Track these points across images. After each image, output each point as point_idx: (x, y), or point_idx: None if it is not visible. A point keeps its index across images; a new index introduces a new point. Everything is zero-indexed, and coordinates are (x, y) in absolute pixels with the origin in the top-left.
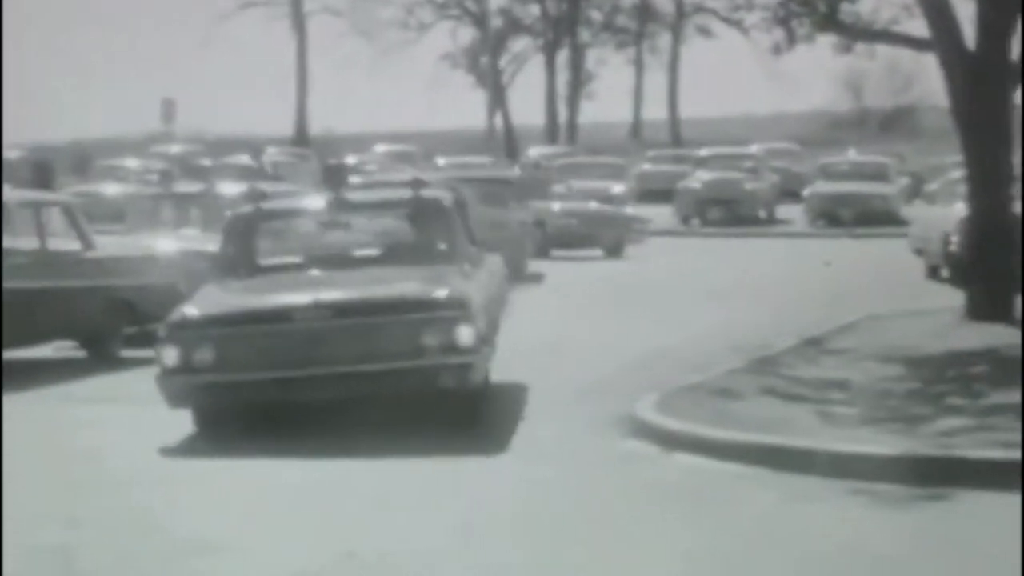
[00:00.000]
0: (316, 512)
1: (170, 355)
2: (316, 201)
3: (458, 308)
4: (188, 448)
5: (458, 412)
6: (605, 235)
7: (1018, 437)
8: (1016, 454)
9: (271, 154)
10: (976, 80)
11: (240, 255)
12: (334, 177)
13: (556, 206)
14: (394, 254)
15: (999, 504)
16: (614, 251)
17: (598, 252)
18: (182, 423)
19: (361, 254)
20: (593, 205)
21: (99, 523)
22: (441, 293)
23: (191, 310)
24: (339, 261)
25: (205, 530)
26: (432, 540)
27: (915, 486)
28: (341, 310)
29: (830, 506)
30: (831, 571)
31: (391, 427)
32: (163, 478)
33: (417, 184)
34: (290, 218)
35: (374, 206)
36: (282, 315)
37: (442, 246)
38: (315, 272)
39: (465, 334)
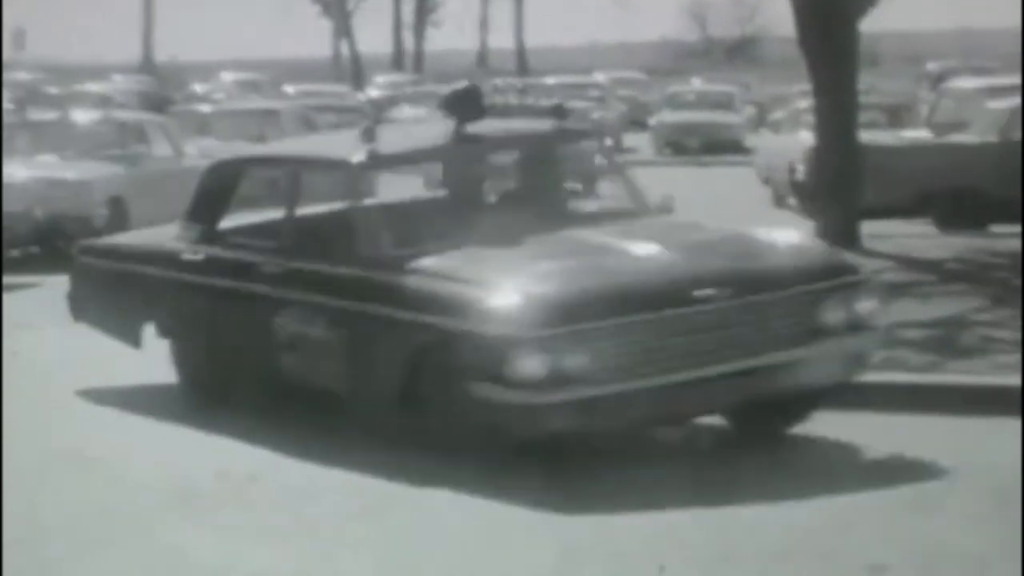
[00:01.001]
0: None
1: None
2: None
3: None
4: None
5: None
6: None
7: None
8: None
9: (117, 82)
10: (823, 10)
11: None
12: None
13: None
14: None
15: (848, 422)
16: None
17: None
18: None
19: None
20: None
21: None
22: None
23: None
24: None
25: None
26: None
27: None
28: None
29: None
30: (682, 485)
31: None
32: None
33: (561, 112)
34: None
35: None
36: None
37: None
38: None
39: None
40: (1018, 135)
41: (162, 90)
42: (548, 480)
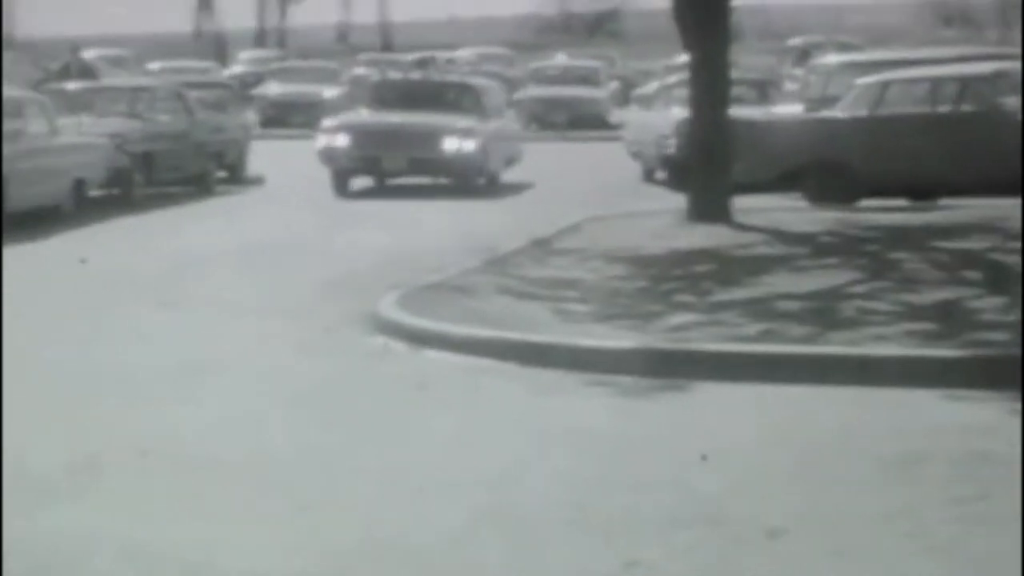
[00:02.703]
0: None
1: None
2: None
3: None
4: None
5: None
6: None
7: (744, 331)
8: (742, 347)
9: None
10: None
11: None
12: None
13: None
14: None
15: (729, 393)
16: None
17: None
18: None
19: None
20: None
21: None
22: None
23: None
24: None
25: None
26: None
27: (650, 377)
28: None
29: (573, 396)
30: (577, 456)
31: None
32: None
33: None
34: None
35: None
36: None
37: None
38: None
39: None
40: (886, 111)
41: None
42: None
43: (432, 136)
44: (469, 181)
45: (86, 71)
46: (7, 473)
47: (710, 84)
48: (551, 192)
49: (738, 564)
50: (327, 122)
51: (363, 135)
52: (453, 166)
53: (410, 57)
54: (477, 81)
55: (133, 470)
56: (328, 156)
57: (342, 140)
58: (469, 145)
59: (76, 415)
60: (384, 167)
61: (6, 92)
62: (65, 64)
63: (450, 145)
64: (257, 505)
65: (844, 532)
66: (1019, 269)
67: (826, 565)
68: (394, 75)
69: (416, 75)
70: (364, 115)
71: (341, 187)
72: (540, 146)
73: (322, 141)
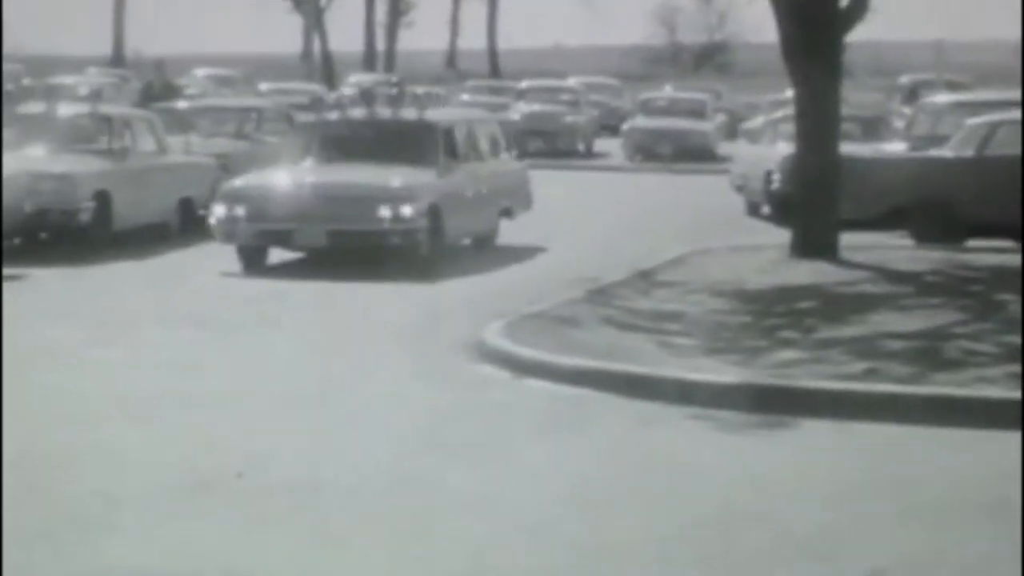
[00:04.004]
0: None
1: None
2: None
3: None
4: None
5: None
6: None
7: (848, 369)
8: (846, 385)
9: (91, 74)
10: (808, 21)
11: None
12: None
13: None
14: None
15: (833, 431)
16: None
17: None
18: None
19: None
20: None
21: None
22: None
23: None
24: None
25: None
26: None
27: (754, 412)
28: None
29: (675, 430)
30: (679, 489)
31: None
32: None
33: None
34: None
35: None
36: None
37: None
38: None
39: None
40: (995, 151)
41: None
42: None
43: (358, 201)
44: (415, 255)
45: (170, 90)
46: (128, 490)
47: (818, 120)
48: (653, 224)
49: None
50: (225, 186)
51: (267, 202)
52: (388, 240)
53: (394, 80)
54: (443, 118)
55: (232, 492)
56: (224, 232)
57: (240, 210)
58: (407, 211)
59: (180, 436)
60: (297, 243)
61: (116, 109)
62: (148, 83)
63: (384, 212)
64: (358, 531)
65: (943, 574)
66: None
67: None
68: (329, 115)
69: (358, 113)
70: (271, 175)
71: (252, 260)
72: (643, 177)
73: (217, 211)
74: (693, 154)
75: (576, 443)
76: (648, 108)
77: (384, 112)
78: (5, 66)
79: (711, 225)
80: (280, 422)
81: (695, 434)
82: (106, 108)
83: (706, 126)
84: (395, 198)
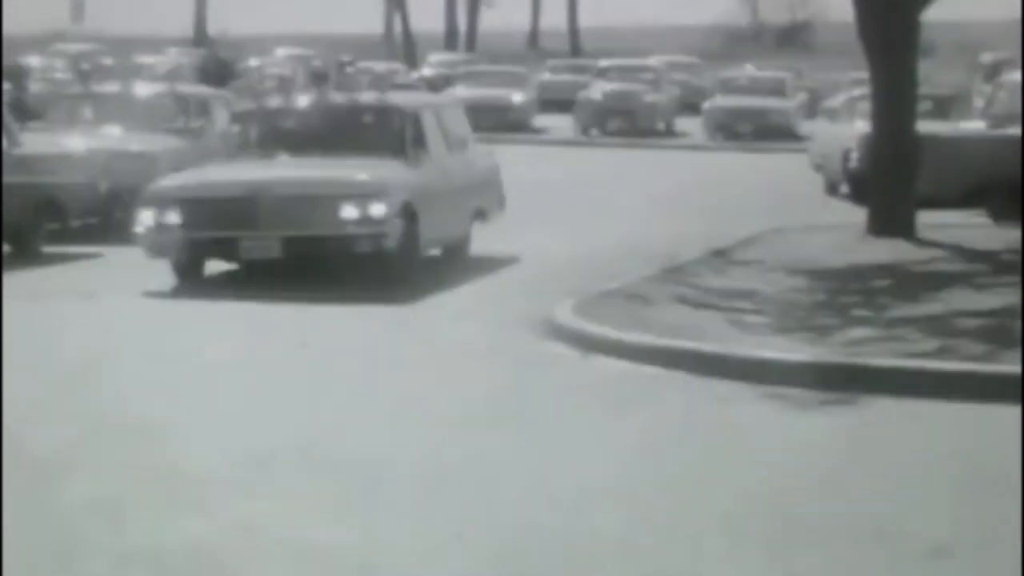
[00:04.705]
0: None
1: None
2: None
3: None
4: None
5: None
6: None
7: (920, 347)
8: (918, 363)
9: (171, 54)
10: (884, 2)
11: None
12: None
13: None
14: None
15: (904, 409)
16: None
17: None
18: None
19: None
20: None
21: None
22: None
23: None
24: None
25: None
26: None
27: (824, 391)
28: None
29: (744, 408)
30: (743, 466)
31: None
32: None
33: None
34: None
35: None
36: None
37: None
38: None
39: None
40: None
41: (224, 63)
42: None
43: (317, 200)
44: (388, 265)
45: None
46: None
47: (895, 99)
48: (731, 202)
49: None
50: (153, 186)
51: (205, 207)
52: (354, 246)
53: (416, 73)
54: (409, 101)
55: (297, 468)
56: (153, 243)
57: (173, 217)
58: (377, 210)
59: (244, 413)
60: (244, 253)
61: (193, 89)
62: (206, 62)
63: (349, 212)
64: (421, 507)
65: (1007, 554)
66: None
67: None
68: (273, 102)
69: (307, 99)
70: (209, 173)
71: (188, 271)
72: (724, 156)
73: (144, 218)
74: (773, 133)
75: (644, 420)
76: (729, 87)
77: (339, 96)
78: (82, 46)
79: (789, 204)
80: None
81: (763, 412)
82: (183, 88)
83: (786, 105)
84: (362, 194)
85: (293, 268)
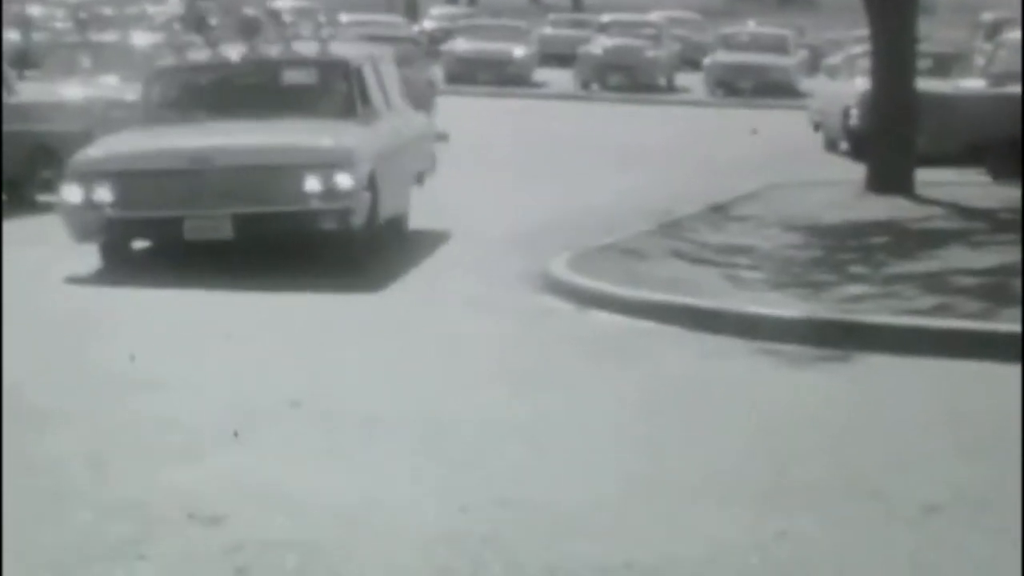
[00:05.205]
0: None
1: None
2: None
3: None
4: None
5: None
6: None
7: (917, 305)
8: (915, 320)
9: (171, 4)
10: None
11: None
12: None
13: None
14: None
15: (899, 367)
16: None
17: None
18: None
19: None
20: None
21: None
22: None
23: None
24: None
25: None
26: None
27: (819, 347)
28: None
29: (738, 363)
30: (736, 422)
31: None
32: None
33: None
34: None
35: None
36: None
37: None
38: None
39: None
40: None
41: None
42: None
43: (276, 172)
44: (350, 245)
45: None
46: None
47: (895, 56)
48: (729, 157)
49: (890, 539)
50: (77, 158)
51: (140, 181)
52: (316, 223)
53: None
54: (352, 53)
55: (286, 422)
56: (79, 224)
57: (103, 194)
58: (344, 181)
59: (236, 367)
60: (188, 234)
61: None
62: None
63: (312, 185)
64: (411, 461)
65: (1001, 512)
66: None
67: (979, 544)
68: (197, 56)
69: (237, 53)
70: (143, 141)
71: (115, 250)
72: (724, 111)
73: (69, 195)
74: (774, 89)
75: (638, 375)
76: (729, 43)
77: (272, 48)
78: None
79: (788, 160)
80: None
81: (757, 368)
82: (182, 38)
83: (787, 61)
84: (327, 163)
85: (244, 250)
